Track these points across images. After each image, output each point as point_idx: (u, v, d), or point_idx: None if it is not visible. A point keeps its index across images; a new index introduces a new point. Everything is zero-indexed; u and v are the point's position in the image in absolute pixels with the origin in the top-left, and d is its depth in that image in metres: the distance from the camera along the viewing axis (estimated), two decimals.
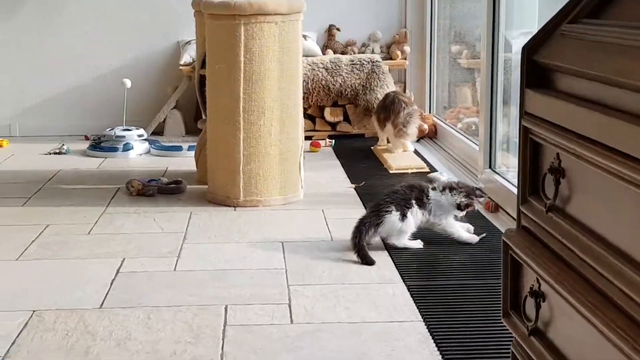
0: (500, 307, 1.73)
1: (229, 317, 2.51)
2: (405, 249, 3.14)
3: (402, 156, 4.82)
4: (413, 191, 3.20)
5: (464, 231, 3.24)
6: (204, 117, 4.38)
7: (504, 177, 3.84)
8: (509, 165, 3.95)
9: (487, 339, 2.33)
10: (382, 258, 3.05)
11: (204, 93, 4.03)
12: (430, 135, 5.47)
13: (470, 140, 4.66)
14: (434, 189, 3.22)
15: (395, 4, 5.99)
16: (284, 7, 3.76)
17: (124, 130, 5.21)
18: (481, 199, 3.29)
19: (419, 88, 5.90)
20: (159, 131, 5.61)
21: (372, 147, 5.12)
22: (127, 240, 3.30)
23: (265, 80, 3.76)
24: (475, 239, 3.22)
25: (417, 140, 5.36)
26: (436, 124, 5.49)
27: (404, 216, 3.14)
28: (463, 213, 3.23)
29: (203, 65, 4.14)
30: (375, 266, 2.96)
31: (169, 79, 5.82)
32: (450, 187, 3.24)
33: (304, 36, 5.53)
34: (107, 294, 2.72)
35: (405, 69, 5.93)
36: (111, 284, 2.81)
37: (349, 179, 4.36)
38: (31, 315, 2.53)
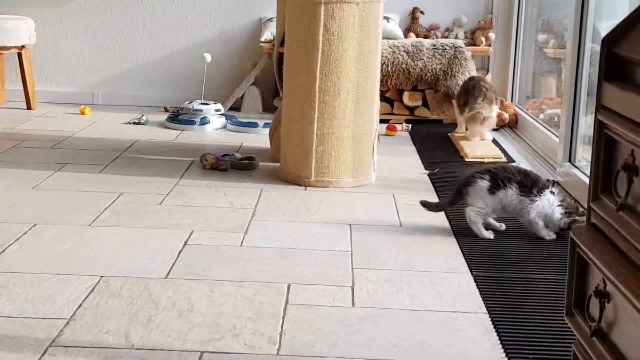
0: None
1: (291, 296, 2.51)
2: (476, 238, 3.10)
3: (479, 144, 4.76)
4: (521, 176, 3.13)
5: (544, 227, 3.16)
6: (281, 94, 4.40)
7: (583, 172, 3.75)
8: (589, 160, 3.85)
9: (550, 336, 2.29)
10: (451, 247, 3.02)
11: (282, 71, 4.03)
12: (510, 125, 5.38)
13: (551, 132, 4.56)
14: (552, 193, 3.14)
15: None
16: None
17: (202, 104, 5.25)
18: (582, 217, 3.17)
19: (502, 76, 5.81)
20: (236, 107, 5.65)
21: (449, 134, 5.07)
22: (196, 213, 3.33)
23: (343, 61, 3.74)
24: (552, 235, 3.14)
25: (497, 129, 5.28)
26: (517, 114, 5.40)
27: (492, 190, 3.10)
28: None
29: (282, 43, 4.15)
30: (443, 255, 2.93)
31: (249, 55, 5.85)
32: (563, 205, 3.12)
33: (386, 18, 5.50)
34: (173, 264, 2.74)
35: (488, 55, 5.84)
36: (178, 255, 2.84)
37: (423, 165, 4.32)
38: (99, 281, 2.57)
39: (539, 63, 5.70)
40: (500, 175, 3.13)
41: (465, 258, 2.90)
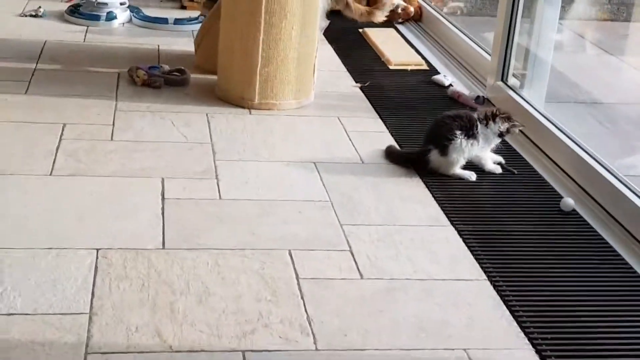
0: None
1: (298, 267, 2.52)
2: (438, 178, 3.18)
3: (398, 48, 4.77)
4: (456, 121, 3.20)
5: (490, 161, 3.28)
6: None
7: (516, 92, 3.85)
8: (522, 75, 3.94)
9: (558, 294, 2.43)
10: (421, 192, 3.08)
11: None
12: (415, 19, 5.40)
13: (479, 46, 4.59)
14: (479, 119, 3.22)
15: None
16: None
17: None
18: (519, 126, 3.28)
19: None
20: None
21: (360, 30, 5.04)
22: (156, 154, 3.21)
23: None
24: (498, 169, 3.27)
25: (402, 23, 5.30)
26: (422, 6, 5.41)
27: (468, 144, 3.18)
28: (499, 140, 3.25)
29: None
30: (420, 204, 3.00)
31: None
32: (492, 116, 3.23)
33: None
34: (163, 229, 2.68)
35: None
36: (162, 215, 2.77)
37: (350, 75, 4.30)
38: (97, 257, 2.49)
39: None
40: (468, 128, 3.18)
41: (440, 206, 2.98)
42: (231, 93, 3.79)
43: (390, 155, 3.34)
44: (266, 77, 3.72)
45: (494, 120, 3.22)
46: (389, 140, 3.50)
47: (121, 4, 4.93)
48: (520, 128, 3.29)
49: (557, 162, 3.36)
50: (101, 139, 3.32)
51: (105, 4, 4.88)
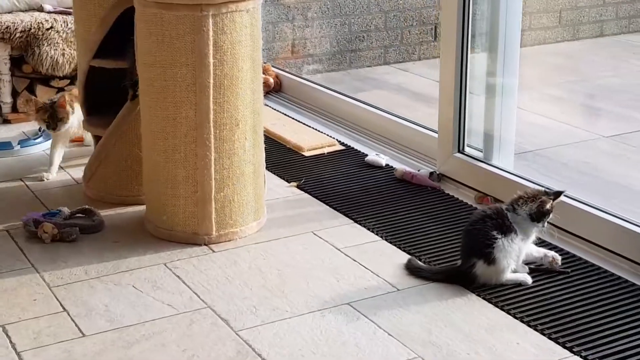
0: None
1: None
2: (496, 292, 2.68)
3: (292, 129, 4.19)
4: (487, 222, 2.71)
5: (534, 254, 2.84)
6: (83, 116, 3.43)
7: (482, 160, 3.44)
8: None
9: None
10: (497, 314, 2.57)
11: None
12: (276, 89, 4.84)
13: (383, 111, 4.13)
14: (506, 209, 2.75)
15: None
16: None
17: None
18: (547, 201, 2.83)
19: None
20: None
21: None
22: (160, 343, 2.41)
23: (239, 85, 2.94)
24: (528, 280, 2.80)
25: (265, 95, 4.72)
26: (279, 75, 4.87)
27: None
28: (542, 225, 2.78)
29: (97, 54, 3.20)
30: (510, 331, 2.47)
31: None
32: (516, 200, 2.78)
33: None
34: None
35: None
36: None
37: (272, 173, 3.66)
38: None
39: (267, 10, 5.19)
40: (501, 223, 2.71)
41: (534, 328, 2.48)
42: (179, 230, 3.03)
43: (418, 273, 2.79)
44: (222, 203, 3.01)
45: (518, 204, 2.77)
46: (393, 251, 2.95)
47: None
48: (553, 203, 2.83)
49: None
50: (69, 337, 2.45)
51: None
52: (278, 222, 3.20)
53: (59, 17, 4.38)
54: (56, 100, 3.61)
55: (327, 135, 4.10)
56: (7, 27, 4.27)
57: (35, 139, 4.02)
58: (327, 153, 3.91)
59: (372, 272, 2.82)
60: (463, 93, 3.47)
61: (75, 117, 3.64)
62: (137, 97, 3.16)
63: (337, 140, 4.03)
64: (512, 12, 3.37)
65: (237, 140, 2.98)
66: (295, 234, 3.10)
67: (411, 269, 2.81)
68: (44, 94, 4.41)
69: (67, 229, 3.05)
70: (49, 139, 3.99)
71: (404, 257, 2.90)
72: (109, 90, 3.42)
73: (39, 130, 4.15)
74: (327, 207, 3.33)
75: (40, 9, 4.47)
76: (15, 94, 4.42)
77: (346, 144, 4.00)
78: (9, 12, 4.43)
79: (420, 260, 2.87)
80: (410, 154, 3.82)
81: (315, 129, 4.18)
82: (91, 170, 3.40)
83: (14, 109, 4.42)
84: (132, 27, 3.21)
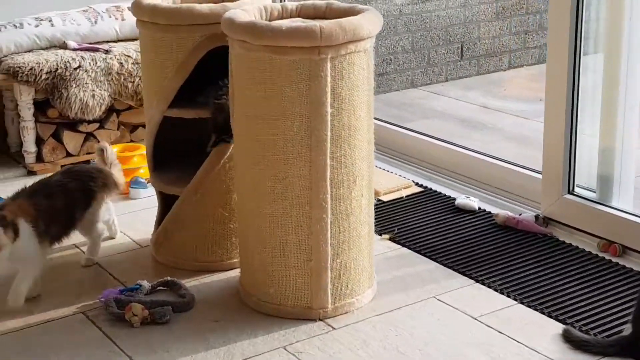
0: None
1: None
2: None
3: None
4: None
5: None
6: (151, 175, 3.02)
7: (594, 201, 3.11)
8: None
9: None
10: None
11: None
12: None
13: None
14: None
15: None
16: (377, 26, 2.56)
17: None
18: None
19: None
20: None
21: None
22: None
23: (356, 135, 2.56)
24: None
25: None
26: None
27: None
28: None
29: (174, 102, 2.80)
30: None
31: None
32: None
33: None
34: None
35: None
36: None
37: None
38: None
39: None
40: None
41: None
42: (289, 304, 2.63)
43: (586, 347, 2.43)
44: (338, 272, 2.62)
45: None
46: (538, 318, 2.61)
47: None
48: None
49: None
50: None
51: None
52: (389, 285, 2.83)
53: (86, 55, 3.95)
54: None
55: (399, 175, 3.73)
56: (31, 69, 3.82)
57: None
58: (406, 196, 3.55)
59: (527, 347, 2.45)
60: (574, 126, 3.13)
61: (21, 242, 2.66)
62: (220, 143, 2.78)
63: (412, 181, 3.67)
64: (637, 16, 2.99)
65: (354, 199, 2.60)
66: (416, 301, 2.72)
67: (575, 343, 2.45)
68: (71, 140, 3.98)
69: (158, 308, 2.64)
70: None
71: (554, 325, 2.55)
72: (176, 141, 3.04)
73: None
74: (436, 263, 2.96)
75: (64, 46, 4.02)
76: (39, 141, 3.97)
77: (424, 186, 3.64)
78: (29, 51, 3.98)
79: (577, 329, 2.52)
80: (504, 196, 3.47)
81: (381, 169, 3.81)
82: (165, 234, 2.98)
83: (39, 158, 3.98)
84: (208, 71, 2.84)
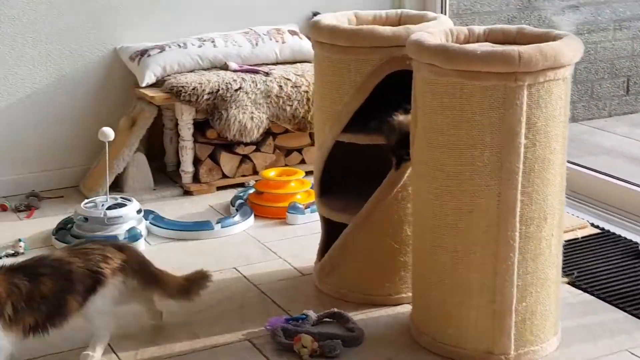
0: None
1: None
2: None
3: None
4: None
5: None
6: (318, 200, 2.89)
7: None
8: None
9: None
10: None
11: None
12: None
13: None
14: None
15: None
16: (578, 52, 2.37)
17: (116, 204, 3.38)
18: None
19: None
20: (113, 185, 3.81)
21: None
22: None
23: (550, 170, 2.36)
24: None
25: None
26: None
27: None
28: None
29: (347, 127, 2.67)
30: None
31: (113, 107, 4.01)
32: None
33: (294, 33, 4.15)
34: None
35: None
36: None
37: None
38: None
39: None
40: None
41: None
42: (468, 347, 2.44)
43: None
44: (523, 316, 2.42)
45: None
46: None
47: (138, 211, 3.40)
48: None
49: None
50: None
51: (120, 216, 3.32)
52: (574, 334, 2.60)
53: (247, 77, 3.89)
54: None
55: (572, 214, 3.50)
56: (194, 89, 3.78)
57: (233, 217, 3.50)
58: (582, 237, 3.30)
59: None
60: None
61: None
62: (402, 163, 2.63)
63: (587, 221, 3.43)
64: None
65: (543, 238, 2.40)
66: (606, 354, 2.49)
67: None
68: (227, 162, 3.93)
69: (328, 341, 2.50)
70: (247, 217, 3.49)
71: None
72: (342, 168, 2.91)
73: (231, 203, 3.66)
74: (625, 313, 2.72)
75: (225, 67, 3.98)
76: (196, 161, 3.93)
77: (600, 227, 3.39)
78: (191, 71, 3.95)
79: None
80: None
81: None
82: (331, 264, 2.84)
83: (195, 178, 3.93)
84: (382, 95, 2.70)
